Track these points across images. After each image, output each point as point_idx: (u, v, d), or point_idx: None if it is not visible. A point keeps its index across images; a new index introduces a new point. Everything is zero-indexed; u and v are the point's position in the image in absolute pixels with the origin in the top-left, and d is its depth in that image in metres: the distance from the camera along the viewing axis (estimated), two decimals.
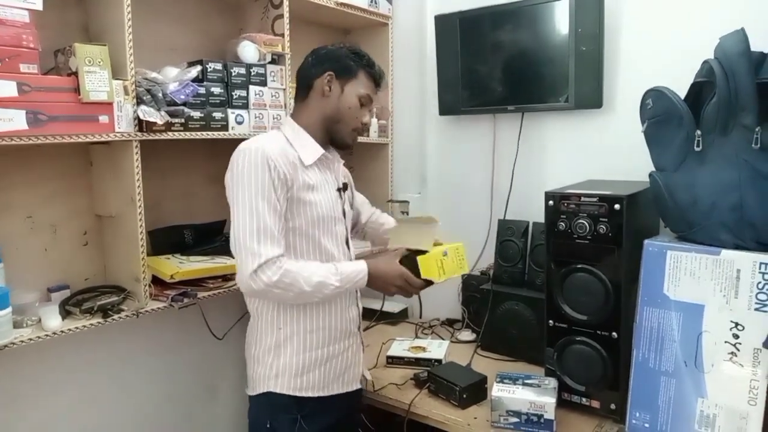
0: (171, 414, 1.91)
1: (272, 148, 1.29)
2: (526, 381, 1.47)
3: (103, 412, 1.73)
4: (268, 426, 1.39)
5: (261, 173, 1.26)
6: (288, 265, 1.26)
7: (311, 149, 1.38)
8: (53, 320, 1.41)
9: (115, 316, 1.49)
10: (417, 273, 1.42)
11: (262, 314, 1.40)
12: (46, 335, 1.38)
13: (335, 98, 1.39)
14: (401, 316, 2.26)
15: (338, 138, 1.43)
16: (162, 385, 1.88)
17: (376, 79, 1.45)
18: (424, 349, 1.85)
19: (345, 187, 1.49)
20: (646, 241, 1.36)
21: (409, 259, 1.44)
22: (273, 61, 1.80)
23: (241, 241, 1.25)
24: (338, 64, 1.39)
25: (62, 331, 1.41)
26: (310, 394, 1.39)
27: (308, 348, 1.39)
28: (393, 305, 2.27)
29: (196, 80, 1.60)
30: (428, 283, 1.44)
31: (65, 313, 1.47)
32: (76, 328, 1.43)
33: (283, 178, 1.28)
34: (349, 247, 1.49)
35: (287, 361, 1.38)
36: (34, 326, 1.41)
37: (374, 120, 2.23)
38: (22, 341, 1.34)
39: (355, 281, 1.36)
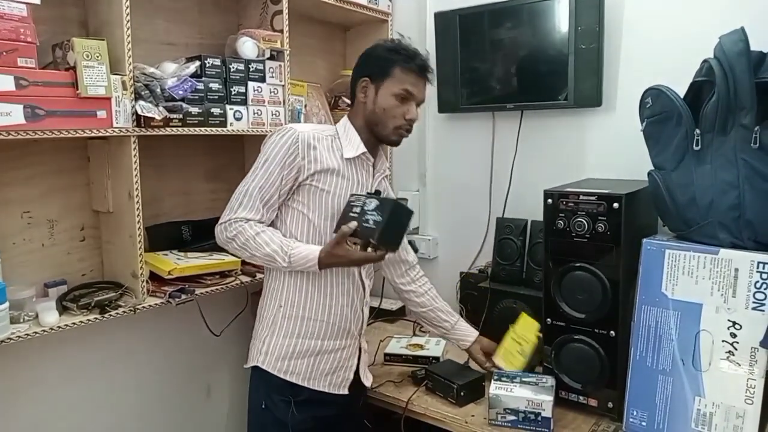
0: (168, 410, 1.91)
1: (309, 133, 1.35)
2: (524, 379, 1.47)
3: (101, 407, 1.73)
4: (263, 406, 1.41)
5: (279, 149, 1.33)
6: (246, 229, 1.33)
7: (354, 145, 1.42)
8: (50, 316, 1.40)
9: (113, 312, 1.48)
10: None
11: (268, 289, 1.45)
12: (44, 331, 1.38)
13: (371, 103, 1.40)
14: (399, 314, 2.25)
15: (382, 138, 1.44)
16: (159, 381, 1.88)
17: (416, 71, 1.40)
18: (421, 347, 1.85)
19: (377, 193, 1.41)
20: (644, 240, 1.36)
21: None
22: (272, 57, 1.80)
23: (233, 194, 1.36)
24: (372, 67, 1.41)
25: (59, 327, 1.40)
26: (295, 381, 1.40)
27: (301, 334, 1.40)
28: (391, 303, 2.27)
29: (195, 76, 1.60)
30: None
31: (62, 309, 1.47)
32: (74, 323, 1.43)
33: (300, 160, 1.33)
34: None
35: (278, 340, 1.40)
36: (31, 322, 1.41)
37: None
38: (19, 336, 1.34)
39: (305, 266, 1.34)
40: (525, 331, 1.59)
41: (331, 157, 1.38)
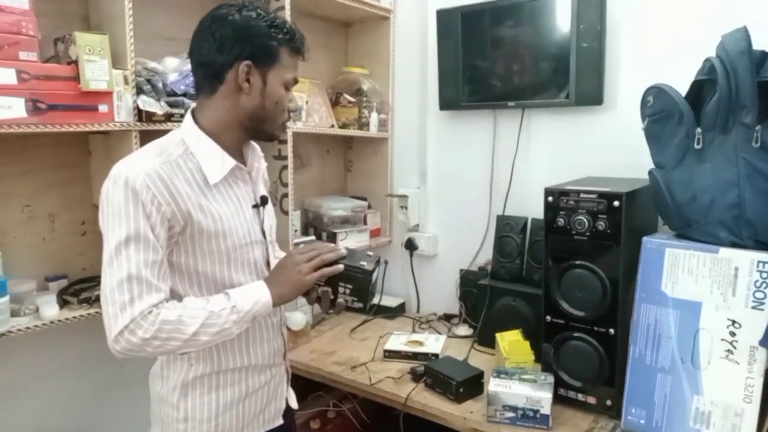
0: None
1: (156, 169, 1.01)
2: (523, 376, 1.47)
3: (101, 401, 1.73)
4: None
5: (134, 212, 0.99)
6: (165, 314, 1.00)
7: (218, 162, 1.10)
8: (51, 309, 1.41)
9: None
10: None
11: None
12: (44, 324, 1.38)
13: (257, 93, 1.10)
14: (399, 311, 2.26)
15: (265, 136, 1.18)
16: None
17: (300, 52, 1.15)
18: (421, 344, 1.85)
19: (264, 200, 1.22)
20: (644, 239, 1.36)
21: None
22: None
23: (108, 296, 0.99)
24: (255, 47, 1.08)
25: (60, 321, 1.41)
26: None
27: (221, 386, 1.16)
28: (391, 299, 2.28)
29: None
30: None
31: (63, 303, 1.47)
32: (74, 317, 1.43)
33: (165, 213, 1.01)
34: (270, 269, 1.22)
35: (197, 402, 1.14)
36: (32, 315, 1.41)
37: (374, 114, 2.23)
38: (19, 330, 1.34)
39: (257, 305, 1.08)
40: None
41: (193, 188, 1.05)
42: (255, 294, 1.09)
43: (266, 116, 1.13)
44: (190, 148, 1.08)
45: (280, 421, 1.28)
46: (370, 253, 1.23)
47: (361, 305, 1.20)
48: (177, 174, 1.04)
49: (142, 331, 0.97)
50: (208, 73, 1.10)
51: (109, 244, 1.01)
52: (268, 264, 1.22)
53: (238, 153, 1.16)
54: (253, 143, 1.23)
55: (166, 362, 1.17)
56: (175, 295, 1.08)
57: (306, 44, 1.16)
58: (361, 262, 1.18)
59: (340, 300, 1.20)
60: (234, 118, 1.12)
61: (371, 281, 1.18)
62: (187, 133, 1.10)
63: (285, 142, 1.86)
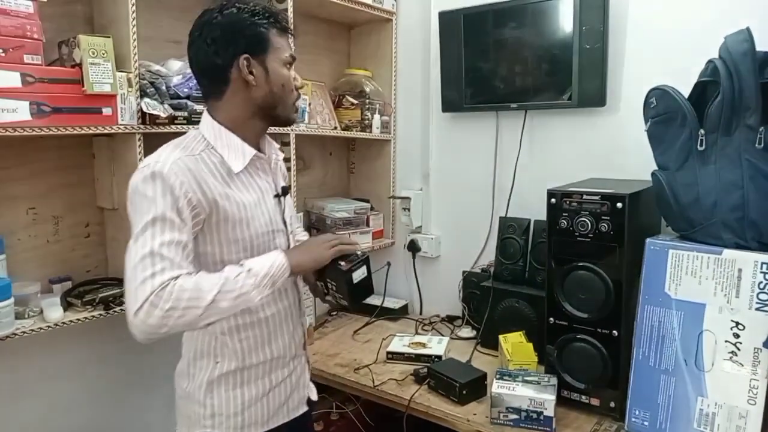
0: (172, 406, 1.91)
1: (180, 162, 1.05)
2: (526, 378, 1.47)
3: (105, 403, 1.73)
4: None
5: (162, 197, 1.02)
6: (183, 284, 1.00)
7: (239, 151, 1.14)
8: (55, 312, 1.41)
9: (117, 309, 1.49)
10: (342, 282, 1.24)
11: (197, 348, 1.21)
12: (48, 326, 1.39)
13: (263, 82, 1.14)
14: (401, 312, 2.26)
15: (281, 121, 1.23)
16: (164, 377, 1.87)
17: (288, 29, 1.19)
18: (424, 345, 1.85)
19: (285, 191, 1.27)
20: (647, 240, 1.36)
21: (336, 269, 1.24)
22: None
23: (129, 274, 1.00)
24: (247, 39, 1.12)
25: (64, 323, 1.41)
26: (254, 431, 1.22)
27: (246, 381, 1.20)
28: (393, 301, 2.28)
29: None
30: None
31: (67, 305, 1.48)
32: (78, 320, 1.43)
33: (191, 200, 1.05)
34: None
35: (223, 398, 1.18)
36: (36, 317, 1.41)
37: (377, 116, 2.23)
38: (23, 332, 1.34)
39: (273, 269, 1.10)
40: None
41: (218, 180, 1.10)
42: (269, 258, 1.11)
43: (277, 100, 1.17)
44: (211, 142, 1.14)
45: (305, 408, 1.33)
46: (359, 253, 1.25)
47: (345, 303, 1.26)
48: (201, 166, 1.09)
49: (162, 302, 0.97)
50: (213, 78, 1.15)
51: (135, 228, 1.02)
52: None
53: (256, 146, 1.20)
54: (269, 138, 1.28)
55: (193, 360, 1.21)
56: None
57: (288, 19, 1.18)
58: (340, 263, 1.21)
59: (329, 298, 1.29)
60: (248, 111, 1.16)
61: (350, 281, 1.21)
62: (207, 130, 1.15)
63: (288, 144, 1.87)
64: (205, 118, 1.17)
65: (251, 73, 1.13)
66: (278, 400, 1.25)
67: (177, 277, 1.00)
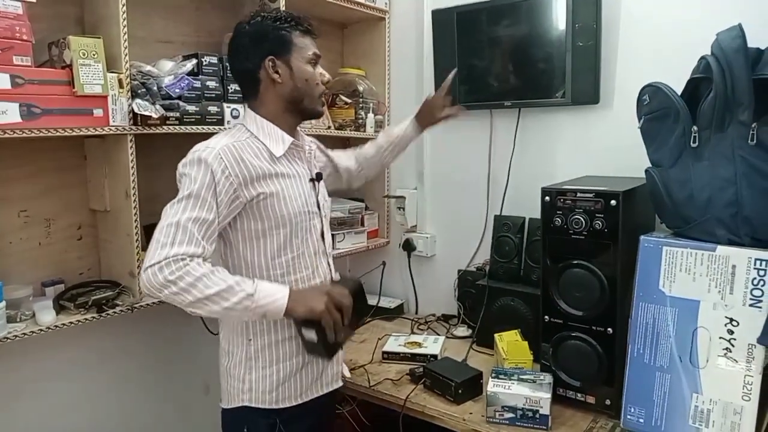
0: (167, 408, 1.91)
1: (229, 146, 1.21)
2: (522, 376, 1.47)
3: (98, 406, 1.73)
4: (245, 430, 1.31)
5: (202, 177, 1.16)
6: (195, 267, 1.11)
7: (279, 139, 1.29)
8: (47, 315, 1.40)
9: (110, 311, 1.48)
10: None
11: (229, 326, 1.33)
12: (40, 330, 1.38)
13: (288, 79, 1.29)
14: (397, 312, 2.26)
15: (309, 113, 1.36)
16: (158, 379, 1.87)
17: (311, 31, 1.33)
18: (419, 345, 1.85)
19: (319, 176, 1.39)
20: (641, 237, 1.36)
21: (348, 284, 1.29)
22: None
23: (155, 234, 1.14)
24: (271, 43, 1.27)
25: (56, 326, 1.40)
26: (287, 405, 1.32)
27: (281, 359, 1.31)
28: (389, 301, 2.27)
29: (192, 74, 1.59)
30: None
31: (59, 308, 1.47)
32: (71, 323, 1.42)
33: (233, 183, 1.19)
34: (324, 241, 1.39)
35: (260, 374, 1.30)
36: (28, 321, 1.40)
37: (370, 115, 2.23)
38: (16, 336, 1.34)
39: (270, 299, 1.16)
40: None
41: (262, 162, 1.25)
42: (276, 294, 1.17)
43: (303, 95, 1.31)
44: (254, 133, 1.28)
45: (339, 384, 1.44)
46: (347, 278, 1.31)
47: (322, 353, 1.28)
48: (246, 149, 1.23)
49: (168, 272, 1.09)
50: (247, 81, 1.32)
51: (177, 196, 1.17)
52: (322, 235, 1.38)
53: (294, 135, 1.34)
54: (301, 132, 1.41)
55: (229, 339, 1.33)
56: (241, 261, 1.27)
57: (311, 21, 1.33)
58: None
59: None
60: (280, 106, 1.31)
61: (305, 342, 1.26)
62: (250, 123, 1.30)
63: None
64: (248, 113, 1.32)
65: (276, 72, 1.27)
66: (311, 376, 1.35)
67: (192, 257, 1.12)
